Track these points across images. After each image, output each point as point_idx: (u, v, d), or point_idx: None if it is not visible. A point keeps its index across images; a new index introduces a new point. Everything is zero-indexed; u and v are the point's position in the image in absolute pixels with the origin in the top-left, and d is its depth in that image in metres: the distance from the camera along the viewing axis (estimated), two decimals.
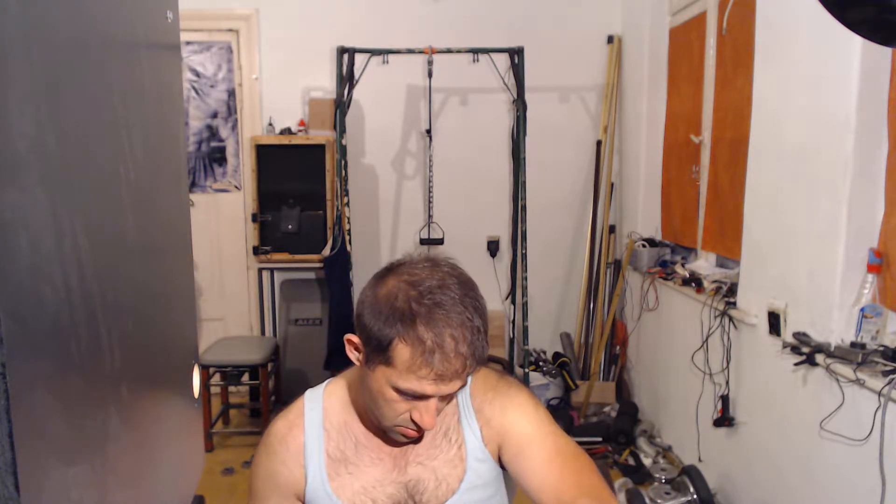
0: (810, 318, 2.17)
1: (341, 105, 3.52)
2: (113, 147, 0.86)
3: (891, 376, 1.79)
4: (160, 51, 1.10)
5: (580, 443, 1.08)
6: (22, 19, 0.60)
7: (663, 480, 2.98)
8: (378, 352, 0.93)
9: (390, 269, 0.97)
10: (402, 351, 0.90)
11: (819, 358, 2.07)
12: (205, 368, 3.56)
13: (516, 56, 3.56)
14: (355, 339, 0.99)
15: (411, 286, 0.92)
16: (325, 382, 1.16)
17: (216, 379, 3.73)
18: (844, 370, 1.95)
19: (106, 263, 0.81)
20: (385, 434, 1.05)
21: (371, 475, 1.07)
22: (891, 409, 1.79)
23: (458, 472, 1.07)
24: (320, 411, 1.10)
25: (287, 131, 3.97)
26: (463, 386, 0.96)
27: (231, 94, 4.16)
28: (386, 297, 0.93)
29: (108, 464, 0.80)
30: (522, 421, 1.07)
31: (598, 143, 4.15)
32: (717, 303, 2.77)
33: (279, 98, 4.09)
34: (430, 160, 3.86)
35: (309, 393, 1.14)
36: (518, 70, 3.57)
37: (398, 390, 0.94)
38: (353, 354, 1.01)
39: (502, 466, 1.11)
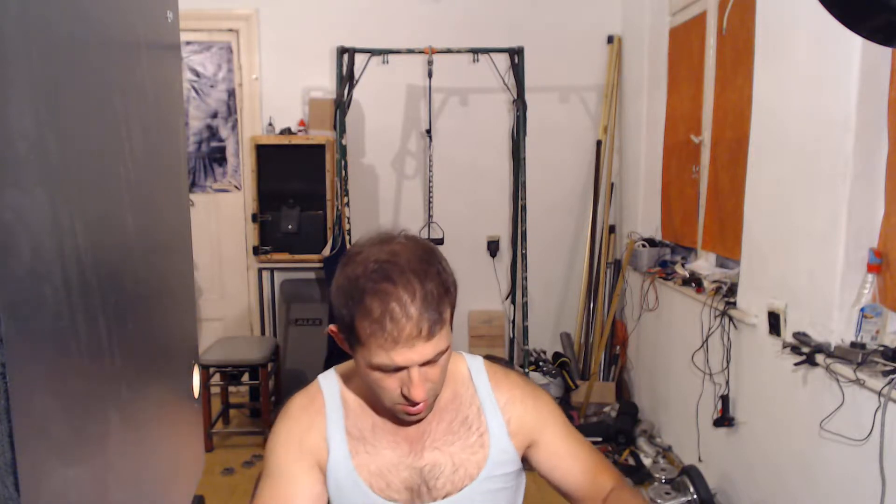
0: (810, 318, 2.17)
1: (341, 105, 3.52)
2: (113, 147, 0.86)
3: (891, 376, 1.79)
4: (160, 51, 1.10)
5: None
6: (22, 19, 0.60)
7: (663, 480, 2.98)
8: (349, 335, 0.96)
9: (349, 255, 0.99)
10: (361, 327, 0.93)
11: (819, 358, 2.06)
12: (205, 368, 3.56)
13: (516, 56, 3.56)
14: (334, 328, 1.01)
15: (361, 265, 0.94)
16: (333, 368, 1.17)
17: (216, 379, 3.72)
18: (844, 370, 1.94)
19: (106, 263, 0.81)
20: (397, 417, 1.06)
21: (387, 458, 1.07)
22: (891, 409, 1.79)
23: (477, 458, 1.08)
24: (338, 390, 1.12)
25: (287, 131, 3.97)
26: (442, 353, 0.96)
27: (231, 94, 4.16)
28: (342, 282, 0.96)
29: (108, 464, 0.80)
30: (554, 427, 1.14)
31: (598, 143, 4.15)
32: (717, 303, 2.76)
33: (279, 98, 4.09)
34: (430, 160, 3.86)
35: (321, 376, 1.15)
36: (518, 70, 3.57)
37: (375, 367, 0.95)
38: (342, 345, 1.02)
39: (523, 462, 1.14)
